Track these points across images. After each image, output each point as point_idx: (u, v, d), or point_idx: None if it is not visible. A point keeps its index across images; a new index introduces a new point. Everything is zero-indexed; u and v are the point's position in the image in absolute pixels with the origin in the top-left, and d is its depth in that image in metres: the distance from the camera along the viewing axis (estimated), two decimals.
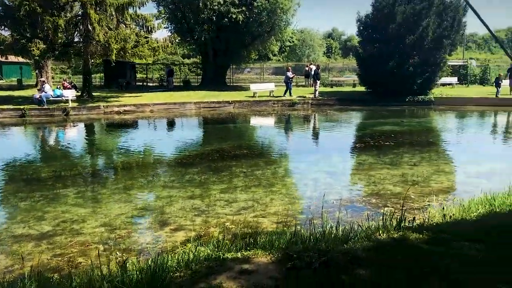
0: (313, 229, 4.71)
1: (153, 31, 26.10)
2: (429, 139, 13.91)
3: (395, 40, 23.09)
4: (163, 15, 30.02)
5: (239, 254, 3.77)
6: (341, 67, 49.62)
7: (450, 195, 7.30)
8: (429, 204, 6.50)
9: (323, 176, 8.95)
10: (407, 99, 23.61)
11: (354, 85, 30.95)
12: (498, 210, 5.34)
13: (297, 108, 23.68)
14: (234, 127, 17.93)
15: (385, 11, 23.63)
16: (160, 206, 6.96)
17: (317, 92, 25.45)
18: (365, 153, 11.78)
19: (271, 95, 26.06)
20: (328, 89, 30.69)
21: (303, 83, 34.54)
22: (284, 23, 29.89)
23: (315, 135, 16.30)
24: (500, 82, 24.53)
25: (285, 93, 25.73)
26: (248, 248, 3.96)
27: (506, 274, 3.34)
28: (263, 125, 18.84)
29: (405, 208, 6.46)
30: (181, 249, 4.10)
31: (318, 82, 26.19)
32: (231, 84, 34.90)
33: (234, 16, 27.37)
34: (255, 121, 19.90)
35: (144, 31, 25.49)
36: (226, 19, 27.65)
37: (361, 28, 25.51)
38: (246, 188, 7.83)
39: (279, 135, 16.37)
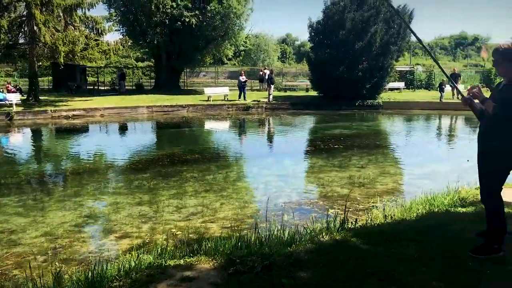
0: (259, 233, 4.74)
1: (104, 33, 25.47)
2: (376, 142, 14.37)
3: (345, 46, 23.74)
4: (115, 18, 29.31)
5: (182, 261, 3.73)
6: (295, 72, 50.40)
7: (394, 196, 7.55)
8: (373, 205, 6.70)
9: (274, 179, 9.04)
10: (357, 103, 24.33)
11: (307, 90, 31.49)
12: (436, 210, 5.57)
13: (252, 112, 23.79)
14: (187, 131, 17.76)
15: (335, 17, 24.24)
16: (106, 213, 6.77)
17: (271, 96, 25.71)
18: (315, 156, 12.01)
19: (226, 99, 26.07)
20: (282, 93, 31.05)
21: (258, 87, 34.78)
22: (237, 27, 30.02)
23: (269, 139, 16.43)
24: (443, 87, 25.78)
25: (239, 97, 25.82)
26: (191, 254, 3.92)
27: (439, 273, 3.49)
28: (217, 129, 18.80)
29: (350, 209, 6.65)
30: (123, 258, 3.99)
31: (272, 86, 26.48)
32: (186, 88, 34.59)
33: (187, 19, 27.19)
34: (208, 125, 19.83)
35: (94, 33, 24.81)
36: (179, 23, 27.41)
37: (313, 34, 26.02)
38: (196, 193, 7.76)
39: (233, 139, 16.37)
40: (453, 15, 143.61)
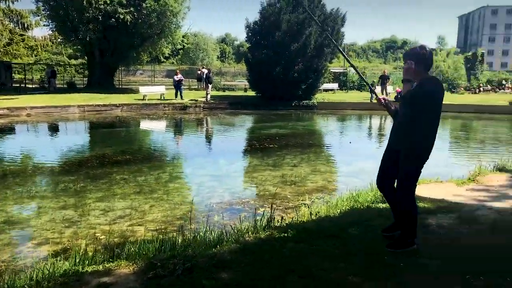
0: (186, 235, 4.69)
1: (30, 28, 24.13)
2: (310, 141, 14.71)
3: (281, 47, 24.13)
4: (43, 12, 27.78)
5: (100, 267, 3.59)
6: (234, 71, 50.59)
7: (322, 193, 7.76)
8: (302, 203, 6.83)
9: (207, 179, 8.97)
10: (293, 104, 24.85)
11: (245, 90, 31.70)
12: (360, 206, 5.79)
13: (189, 112, 23.52)
14: (119, 131, 17.19)
15: (271, 19, 24.56)
16: (26, 218, 6.38)
17: (209, 96, 25.59)
18: (250, 155, 12.11)
19: (162, 98, 25.58)
20: (221, 93, 31.06)
21: (196, 87, 34.51)
22: (174, 25, 29.58)
23: (205, 139, 16.32)
24: (374, 88, 26.92)
25: (176, 96, 25.45)
26: (111, 259, 3.79)
27: (358, 269, 3.63)
28: (152, 129, 18.38)
29: (280, 207, 6.77)
30: (37, 266, 3.78)
31: (210, 85, 26.37)
32: (121, 87, 33.54)
33: (121, 16, 26.34)
34: (143, 125, 19.34)
35: (19, 28, 23.45)
36: (113, 19, 26.51)
37: (250, 34, 26.20)
38: (125, 196, 7.52)
39: (168, 139, 16.09)
40: (385, 19, 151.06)
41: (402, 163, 3.85)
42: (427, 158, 3.86)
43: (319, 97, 26.99)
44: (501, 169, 7.78)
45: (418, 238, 4.23)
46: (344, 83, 35.91)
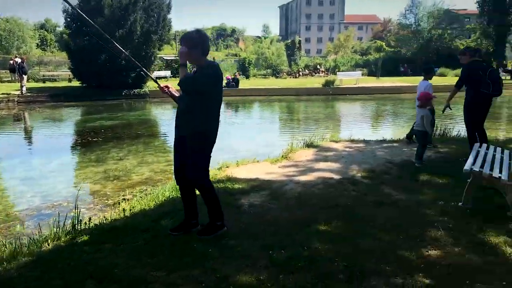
0: None
1: None
2: (139, 131, 14.13)
3: (106, 33, 22.65)
4: None
5: None
6: (57, 60, 46.05)
7: (147, 185, 7.45)
8: (123, 199, 6.46)
9: (15, 184, 7.90)
10: (123, 93, 23.77)
11: (70, 80, 29.23)
12: (177, 195, 5.68)
13: (0, 107, 20.58)
14: None
15: (92, 3, 22.92)
16: None
17: (24, 88, 22.83)
18: (71, 152, 11.14)
19: None
20: (40, 84, 28.08)
21: (9, 79, 30.46)
22: None
23: (17, 137, 14.41)
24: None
25: None
26: None
27: (163, 262, 3.50)
28: None
29: (98, 206, 6.31)
30: None
31: (25, 76, 23.53)
32: None
33: None
34: None
35: None
36: None
37: (69, 19, 24.09)
38: None
39: None
40: (215, 7, 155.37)
41: (190, 149, 3.80)
42: (214, 141, 3.84)
43: (150, 85, 26.31)
44: (309, 145, 8.56)
45: (231, 220, 4.32)
46: (176, 70, 35.65)
